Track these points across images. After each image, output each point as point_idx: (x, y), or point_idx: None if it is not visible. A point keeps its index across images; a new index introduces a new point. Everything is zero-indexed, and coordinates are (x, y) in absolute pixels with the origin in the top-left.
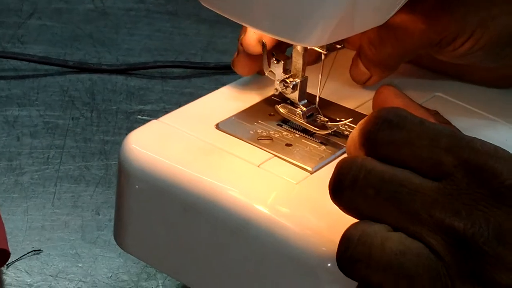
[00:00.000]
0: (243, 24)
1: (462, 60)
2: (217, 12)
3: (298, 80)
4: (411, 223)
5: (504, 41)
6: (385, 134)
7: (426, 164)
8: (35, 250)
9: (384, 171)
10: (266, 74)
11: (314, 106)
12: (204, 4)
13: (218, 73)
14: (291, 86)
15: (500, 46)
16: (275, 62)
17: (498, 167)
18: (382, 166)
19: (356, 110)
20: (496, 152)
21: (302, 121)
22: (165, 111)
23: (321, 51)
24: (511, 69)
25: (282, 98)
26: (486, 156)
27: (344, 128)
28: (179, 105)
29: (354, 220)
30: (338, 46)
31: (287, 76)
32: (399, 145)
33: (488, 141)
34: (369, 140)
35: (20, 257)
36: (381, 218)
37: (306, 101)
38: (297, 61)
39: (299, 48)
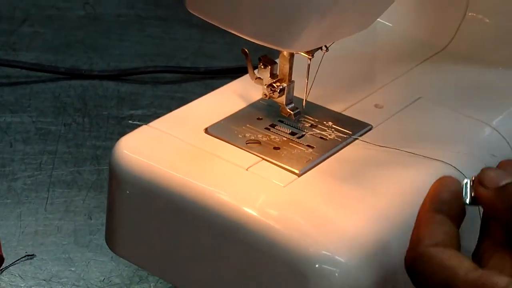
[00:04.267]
0: (229, 31)
1: None
2: (204, 19)
3: (285, 85)
4: None
5: None
6: None
7: None
8: (28, 255)
9: None
10: (253, 81)
11: (298, 110)
12: (191, 11)
13: (208, 77)
14: (278, 91)
15: None
16: (262, 67)
17: None
18: None
19: (342, 113)
20: None
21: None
22: (156, 115)
23: (306, 56)
24: None
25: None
26: None
27: (329, 134)
28: (170, 109)
29: (340, 221)
30: (322, 51)
31: (274, 80)
32: None
33: (471, 143)
34: None
35: (14, 262)
36: None
37: (293, 104)
38: (284, 66)
39: (285, 53)
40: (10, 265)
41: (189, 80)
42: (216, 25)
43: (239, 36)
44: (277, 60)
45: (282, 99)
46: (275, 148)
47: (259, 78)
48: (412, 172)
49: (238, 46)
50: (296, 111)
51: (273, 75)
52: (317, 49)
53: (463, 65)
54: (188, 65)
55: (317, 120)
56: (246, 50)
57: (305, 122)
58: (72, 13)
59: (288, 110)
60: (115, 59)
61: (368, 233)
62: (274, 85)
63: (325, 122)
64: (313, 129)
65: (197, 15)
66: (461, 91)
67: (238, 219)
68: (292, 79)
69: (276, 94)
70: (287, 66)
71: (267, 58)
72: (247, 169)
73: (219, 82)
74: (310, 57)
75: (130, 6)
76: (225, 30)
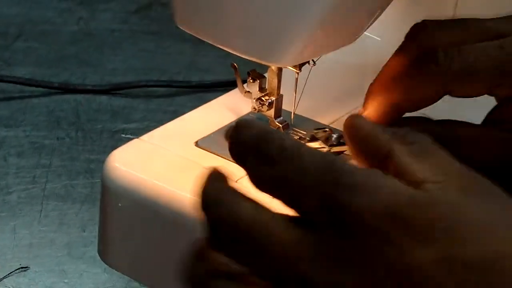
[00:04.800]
0: (218, 46)
1: None
2: (193, 34)
3: (273, 98)
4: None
5: None
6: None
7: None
8: (22, 267)
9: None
10: (242, 95)
11: (287, 122)
12: (180, 27)
13: (201, 91)
14: (266, 104)
15: None
16: (251, 81)
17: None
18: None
19: (330, 125)
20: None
21: None
22: (149, 129)
23: (294, 70)
24: None
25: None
26: (347, 191)
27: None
28: (162, 123)
29: None
30: (310, 65)
31: (263, 94)
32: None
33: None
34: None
35: (8, 274)
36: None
37: (281, 118)
38: (272, 79)
39: (273, 67)
40: (5, 277)
41: (182, 94)
42: (205, 40)
43: None
44: (266, 74)
45: (271, 113)
46: None
47: (248, 92)
48: None
49: (231, 59)
50: (285, 124)
51: (261, 89)
52: (305, 63)
53: None
54: (181, 79)
55: (305, 132)
56: (235, 64)
57: (294, 135)
58: (66, 28)
59: (277, 123)
60: (108, 74)
61: None
62: (263, 98)
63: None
64: (302, 141)
65: (186, 31)
66: (448, 102)
67: None
68: (281, 93)
69: (265, 108)
70: (275, 80)
71: (256, 73)
72: (236, 181)
73: (212, 95)
74: (297, 71)
75: (123, 21)
76: None
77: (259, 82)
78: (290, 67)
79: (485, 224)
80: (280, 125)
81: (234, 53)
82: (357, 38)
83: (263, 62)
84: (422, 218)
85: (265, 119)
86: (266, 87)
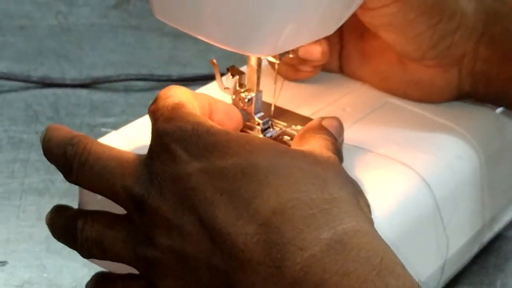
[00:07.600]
0: (196, 36)
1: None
2: (171, 25)
3: (253, 94)
4: None
5: (422, 9)
6: None
7: None
8: (0, 262)
9: None
10: (222, 91)
11: (268, 119)
12: (159, 18)
13: (181, 85)
14: (246, 100)
15: (416, 12)
16: (230, 77)
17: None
18: None
19: (311, 117)
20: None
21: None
22: (128, 123)
23: (274, 60)
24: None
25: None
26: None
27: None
28: (142, 117)
29: None
30: (290, 56)
31: (243, 90)
32: None
33: (441, 146)
34: None
35: None
36: None
37: (262, 113)
38: (252, 75)
39: (253, 63)
40: None
41: (162, 88)
42: (184, 31)
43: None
44: (244, 70)
45: (251, 109)
46: None
47: (228, 88)
48: (376, 173)
49: (211, 53)
50: (265, 120)
51: (241, 85)
52: (284, 53)
53: None
54: (161, 73)
55: (286, 124)
56: (214, 60)
57: (274, 127)
58: (45, 22)
59: (257, 119)
60: (87, 68)
61: None
62: (242, 94)
63: (294, 126)
64: (282, 133)
65: (165, 21)
66: None
67: None
68: (260, 89)
69: (245, 104)
70: (254, 76)
71: (235, 69)
72: None
73: (191, 89)
74: (277, 62)
75: (102, 15)
76: (197, 38)
77: (239, 78)
78: (269, 58)
79: (239, 140)
80: (260, 121)
81: (213, 43)
82: (337, 28)
83: (242, 52)
84: (200, 141)
85: (245, 114)
86: (245, 83)
